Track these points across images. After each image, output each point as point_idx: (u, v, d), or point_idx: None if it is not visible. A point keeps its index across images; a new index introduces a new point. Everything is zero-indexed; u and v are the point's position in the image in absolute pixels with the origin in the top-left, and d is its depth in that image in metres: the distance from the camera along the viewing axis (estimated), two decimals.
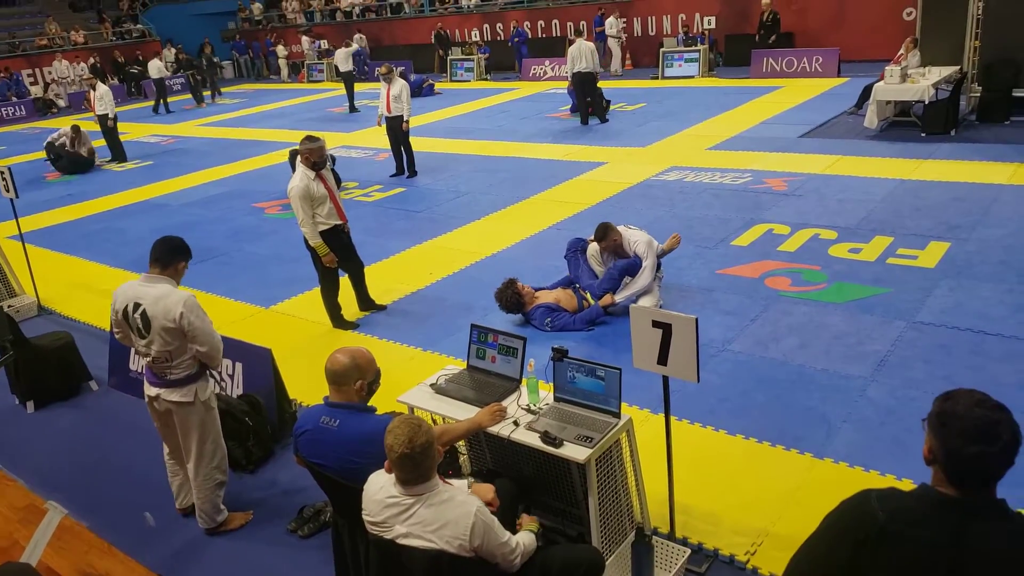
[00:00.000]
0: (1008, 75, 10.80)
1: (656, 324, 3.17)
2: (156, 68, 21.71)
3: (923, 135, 10.50)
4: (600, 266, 6.19)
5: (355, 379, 3.17)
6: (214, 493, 3.99)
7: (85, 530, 4.15)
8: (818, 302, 5.89)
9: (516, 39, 22.13)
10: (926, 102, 10.53)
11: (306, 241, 6.08)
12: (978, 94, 11.19)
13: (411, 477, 2.57)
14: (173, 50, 26.92)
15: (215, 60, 25.20)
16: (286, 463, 4.58)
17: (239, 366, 5.09)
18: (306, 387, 5.15)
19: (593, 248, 6.20)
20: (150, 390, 3.86)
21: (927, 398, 4.56)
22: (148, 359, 3.77)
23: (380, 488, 2.66)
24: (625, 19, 20.68)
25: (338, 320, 6.34)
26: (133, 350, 3.84)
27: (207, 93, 22.97)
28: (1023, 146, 9.49)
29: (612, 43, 19.58)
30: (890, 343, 5.17)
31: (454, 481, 2.69)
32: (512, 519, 3.00)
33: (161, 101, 21.85)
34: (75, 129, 14.46)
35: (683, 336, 3.11)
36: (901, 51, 12.07)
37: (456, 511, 2.54)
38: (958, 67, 11.33)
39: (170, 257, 3.77)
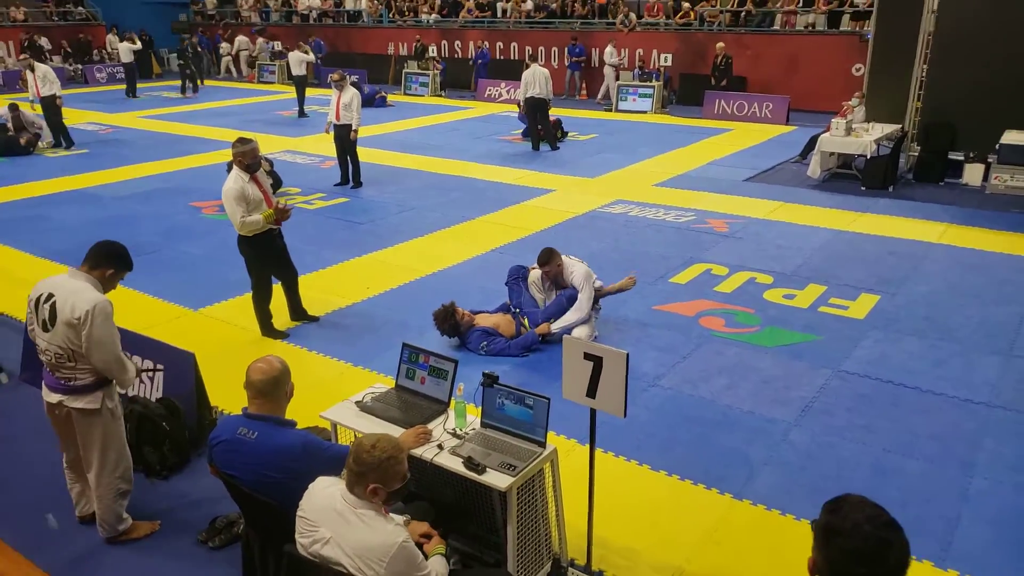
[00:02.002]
0: (945, 138, 11.31)
1: (588, 356, 3.16)
2: (126, 51, 21.20)
3: (863, 188, 10.88)
4: (540, 293, 6.18)
5: (277, 391, 3.08)
6: (116, 503, 3.79)
7: None
8: (750, 344, 6.00)
9: (479, 60, 22.23)
10: (868, 157, 10.94)
11: (239, 244, 5.92)
12: (916, 153, 11.68)
13: (357, 484, 2.53)
14: (133, 35, 26.17)
15: (199, 50, 24.70)
16: (201, 471, 4.39)
17: (158, 370, 4.89)
18: (229, 394, 4.98)
19: (535, 275, 6.20)
20: (50, 396, 3.61)
21: (846, 445, 4.70)
22: (48, 357, 3.56)
23: (325, 487, 2.64)
24: (585, 49, 20.97)
25: (268, 328, 6.18)
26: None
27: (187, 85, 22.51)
28: (954, 207, 9.93)
29: (608, 71, 19.58)
30: (816, 389, 5.29)
31: (394, 516, 2.64)
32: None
33: (131, 87, 21.48)
34: (12, 107, 13.86)
35: (613, 370, 3.11)
36: (848, 104, 12.54)
37: (382, 537, 2.49)
38: (900, 126, 11.81)
39: (100, 259, 3.58)
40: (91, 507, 3.90)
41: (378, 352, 5.84)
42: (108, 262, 3.59)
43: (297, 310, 6.42)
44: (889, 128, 11.74)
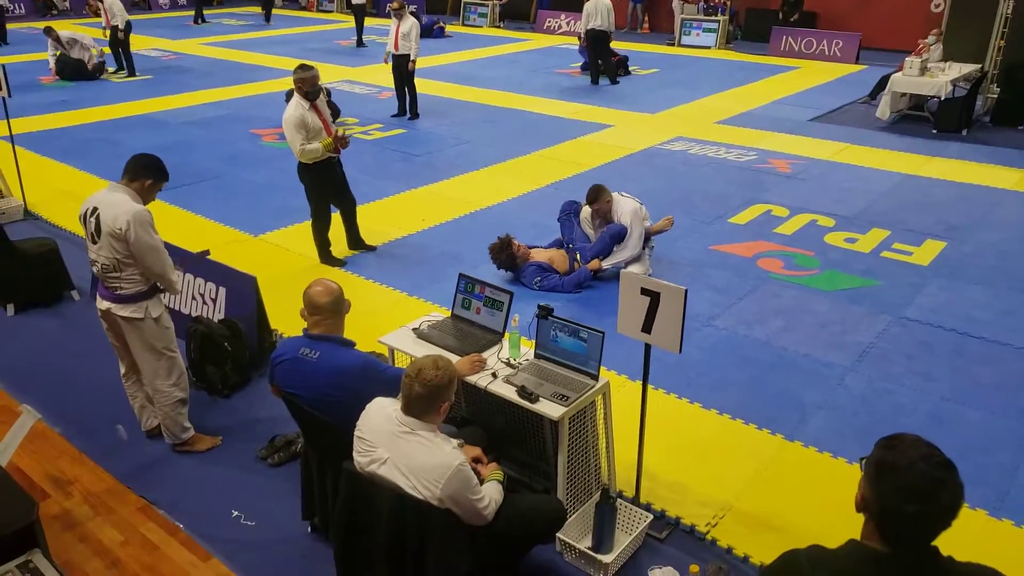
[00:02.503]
0: None
1: (645, 292, 3.15)
2: None
3: (934, 131, 10.41)
4: (592, 230, 6.14)
5: (338, 311, 3.16)
6: (175, 410, 3.97)
7: (57, 436, 4.16)
8: (808, 287, 5.88)
9: None
10: (942, 98, 10.42)
11: (299, 172, 5.99)
12: (995, 95, 11.08)
13: (411, 406, 2.59)
14: None
15: None
16: (262, 391, 4.57)
17: (222, 291, 5.05)
18: (288, 318, 5.11)
19: (586, 211, 6.14)
20: (101, 303, 3.80)
21: (904, 392, 4.62)
22: (97, 268, 3.71)
23: (382, 408, 2.70)
24: None
25: (326, 256, 6.29)
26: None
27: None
28: None
29: (687, 8, 18.65)
30: (874, 335, 5.18)
31: (453, 440, 2.71)
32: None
33: (200, 13, 21.78)
34: (48, 31, 13.94)
35: (670, 306, 3.09)
36: (924, 42, 11.90)
37: (439, 458, 2.55)
38: (979, 66, 11.19)
39: (137, 171, 3.71)
40: (154, 421, 4.10)
41: (433, 283, 5.91)
42: (145, 173, 3.72)
43: (355, 239, 6.51)
44: (967, 68, 11.13)
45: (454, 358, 3.44)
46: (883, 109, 10.93)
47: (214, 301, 5.09)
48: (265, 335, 4.93)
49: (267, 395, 4.00)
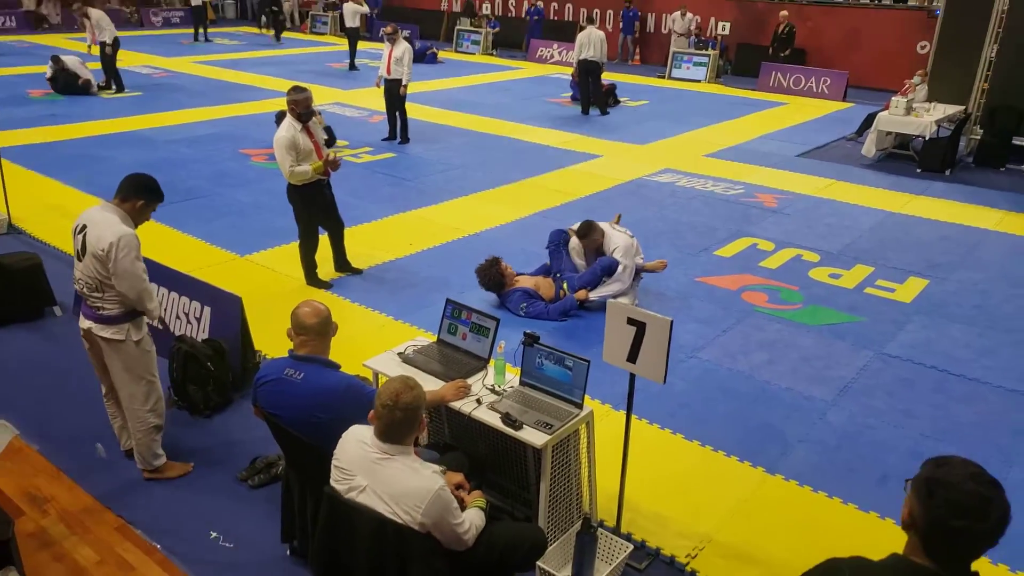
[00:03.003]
0: (1011, 122, 10.91)
1: (631, 321, 3.17)
2: None
3: (919, 171, 10.58)
4: (580, 259, 6.17)
5: (325, 332, 3.16)
6: (149, 436, 3.89)
7: (35, 453, 4.10)
8: (792, 322, 5.93)
9: (533, 17, 21.92)
10: (926, 138, 10.61)
11: (289, 193, 6.00)
12: (978, 137, 11.30)
13: (389, 432, 2.57)
14: None
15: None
16: (243, 412, 4.54)
17: (207, 310, 5.03)
18: (272, 339, 5.10)
19: (575, 242, 6.18)
20: (83, 322, 3.73)
21: (885, 428, 4.65)
22: (80, 287, 3.67)
23: (359, 435, 2.68)
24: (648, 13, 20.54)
25: (312, 278, 6.28)
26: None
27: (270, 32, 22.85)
28: (1015, 194, 9.62)
29: (678, 41, 18.77)
30: (856, 371, 5.23)
31: (433, 465, 2.69)
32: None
33: (200, 29, 21.97)
34: (55, 59, 13.99)
35: (656, 337, 3.12)
36: (910, 82, 12.14)
37: (419, 483, 2.54)
38: (963, 107, 11.41)
39: (130, 191, 3.63)
40: (132, 442, 4.06)
41: (419, 307, 5.91)
42: (138, 193, 3.64)
43: (341, 262, 6.51)
44: (951, 109, 11.36)
45: (439, 383, 3.44)
46: (869, 147, 11.12)
47: (198, 320, 5.07)
48: (249, 356, 4.90)
49: (249, 416, 3.98)
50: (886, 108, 11.07)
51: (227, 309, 4.91)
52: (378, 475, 2.58)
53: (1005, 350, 5.57)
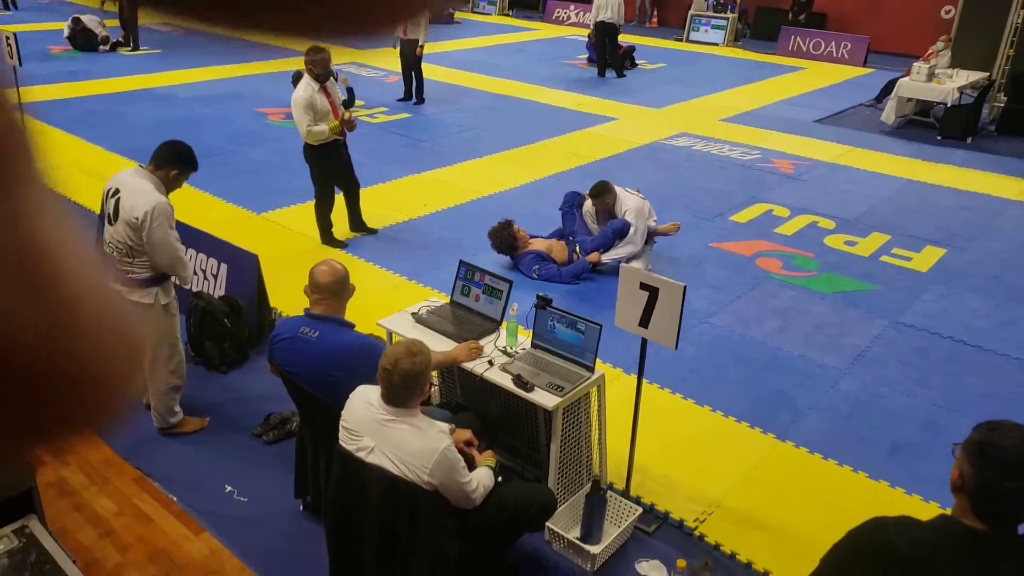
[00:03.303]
0: None
1: (644, 286, 3.17)
2: None
3: (939, 138, 10.41)
4: (594, 223, 6.15)
5: (342, 292, 3.18)
6: (169, 396, 3.97)
7: None
8: (806, 289, 5.91)
9: None
10: (948, 105, 10.42)
11: (305, 153, 5.99)
12: (1002, 104, 11.08)
13: (392, 396, 2.60)
14: None
15: None
16: (259, 369, 4.59)
17: (223, 267, 5.06)
18: (288, 297, 5.14)
19: (588, 205, 6.15)
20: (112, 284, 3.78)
21: (898, 397, 4.65)
22: (110, 250, 3.69)
23: (365, 396, 2.71)
24: None
25: (328, 236, 6.30)
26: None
27: None
28: None
29: (699, 3, 18.32)
30: (870, 339, 5.21)
31: (439, 423, 2.72)
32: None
33: None
34: (75, 21, 13.99)
35: (669, 302, 3.12)
36: (932, 48, 11.88)
37: (425, 443, 2.57)
38: (987, 74, 11.18)
39: (164, 159, 3.66)
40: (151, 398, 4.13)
41: (432, 268, 5.92)
42: (172, 162, 3.67)
43: (357, 221, 6.52)
44: (975, 76, 11.11)
45: (452, 344, 3.46)
46: (888, 113, 10.92)
47: (215, 277, 5.11)
48: (265, 313, 4.95)
49: (264, 373, 4.03)
50: (907, 74, 10.85)
51: (244, 266, 4.94)
52: (385, 436, 2.61)
53: (1021, 323, 5.53)
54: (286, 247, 6.24)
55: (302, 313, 3.21)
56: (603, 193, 5.96)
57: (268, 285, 4.97)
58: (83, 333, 0.24)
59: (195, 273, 5.20)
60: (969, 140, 10.32)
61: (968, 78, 10.96)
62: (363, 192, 6.60)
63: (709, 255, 6.44)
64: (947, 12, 15.91)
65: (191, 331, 4.67)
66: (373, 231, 6.58)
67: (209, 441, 4.02)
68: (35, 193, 0.23)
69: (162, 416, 4.01)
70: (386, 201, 7.28)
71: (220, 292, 5.02)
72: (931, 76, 10.62)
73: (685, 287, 3.08)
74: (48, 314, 0.22)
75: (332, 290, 3.13)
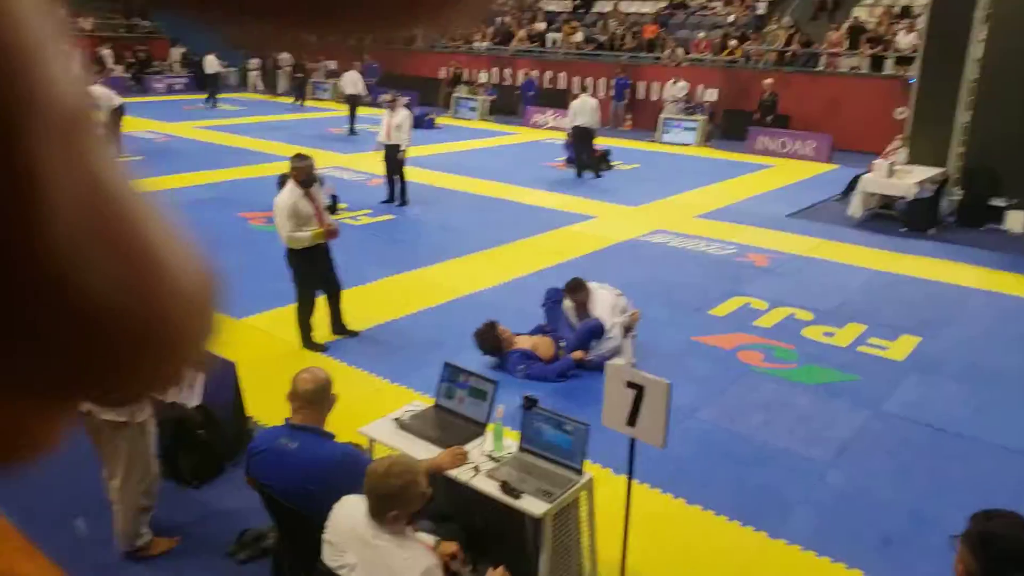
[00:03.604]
0: (987, 183, 11.16)
1: (630, 385, 3.18)
2: (212, 63, 22.72)
3: (903, 230, 10.74)
4: (575, 318, 6.21)
5: (323, 401, 3.16)
6: (137, 518, 3.80)
7: (11, 528, 4.01)
8: (788, 381, 5.94)
9: (527, 88, 22.47)
10: (909, 199, 10.81)
11: (288, 257, 6.05)
12: (959, 197, 11.52)
13: (377, 512, 2.54)
14: (181, 51, 27.23)
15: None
16: (235, 482, 4.46)
17: (200, 376, 5.00)
18: (266, 406, 5.06)
19: (568, 303, 6.23)
20: (82, 404, 3.68)
21: (883, 488, 4.62)
22: None
23: (351, 509, 2.65)
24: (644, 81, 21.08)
25: (308, 341, 6.29)
26: None
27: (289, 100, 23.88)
28: (995, 253, 9.75)
29: (670, 107, 19.24)
30: (853, 430, 5.22)
31: (424, 536, 2.65)
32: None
33: (212, 95, 22.73)
34: None
35: (655, 399, 3.13)
36: (890, 146, 12.42)
37: (409, 563, 2.51)
38: (942, 169, 11.67)
39: None
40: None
41: (415, 369, 5.90)
42: None
43: (338, 324, 6.52)
44: (931, 171, 11.59)
45: (436, 450, 3.42)
46: (855, 207, 11.30)
47: (191, 387, 5.04)
48: (242, 423, 4.87)
49: (240, 487, 3.92)
50: (870, 170, 11.30)
51: (220, 374, 4.89)
52: (368, 553, 2.54)
53: (998, 408, 5.58)
54: (265, 353, 6.21)
55: (282, 423, 3.18)
56: (576, 290, 6.05)
57: (246, 393, 4.91)
58: (157, 285, 0.24)
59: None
60: (931, 232, 10.67)
61: (925, 173, 11.42)
62: (345, 293, 6.63)
63: (692, 349, 6.49)
64: (900, 113, 16.70)
65: (163, 444, 4.56)
66: (355, 333, 6.58)
67: (179, 563, 3.85)
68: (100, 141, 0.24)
69: (128, 538, 3.81)
70: (368, 302, 7.32)
71: (195, 402, 4.94)
72: (891, 172, 11.07)
73: (670, 384, 3.10)
74: (131, 263, 0.23)
75: (312, 399, 3.11)
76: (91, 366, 0.23)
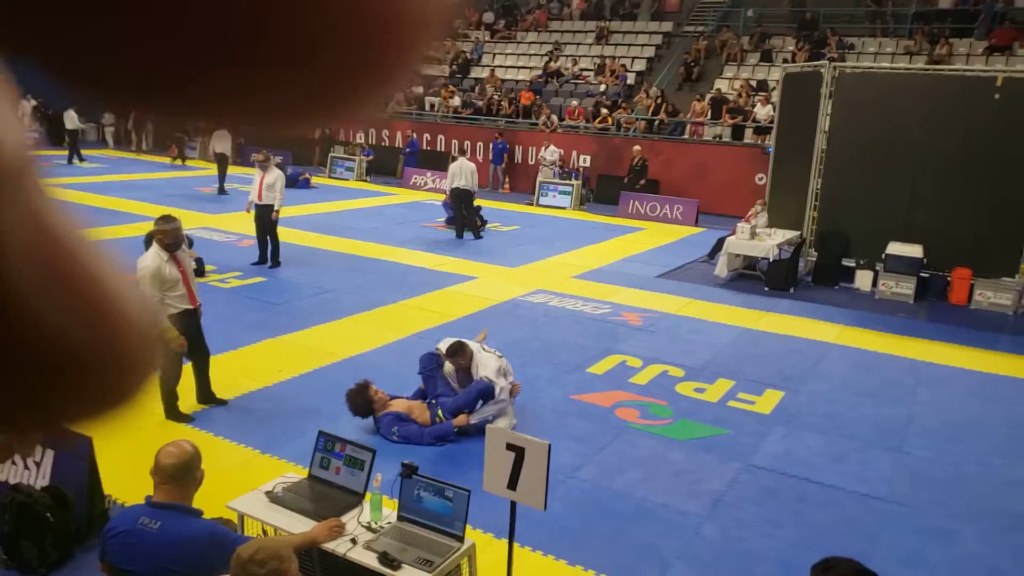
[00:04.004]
0: (839, 245, 12.15)
1: (510, 447, 3.17)
2: (71, 119, 21.29)
3: (766, 289, 11.46)
4: (456, 383, 6.17)
5: (187, 477, 2.95)
6: None
7: None
8: (663, 437, 6.12)
9: (407, 149, 22.64)
10: (770, 260, 11.59)
11: None
12: (814, 259, 12.46)
13: None
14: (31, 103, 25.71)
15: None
16: (86, 569, 4.08)
17: (49, 453, 4.59)
18: (126, 484, 4.70)
19: (448, 365, 6.19)
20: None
21: (756, 540, 4.78)
22: None
23: None
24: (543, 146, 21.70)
25: (173, 411, 5.91)
26: None
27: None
28: (848, 310, 10.55)
29: (545, 171, 19.83)
30: (725, 483, 5.41)
31: None
32: None
33: (75, 152, 21.47)
34: None
35: (535, 461, 3.13)
36: (751, 211, 13.33)
37: None
38: (799, 232, 12.62)
39: None
40: None
41: (288, 439, 5.65)
42: None
43: (205, 392, 6.18)
44: (790, 234, 12.51)
45: (310, 523, 3.26)
46: (721, 268, 11.99)
47: (38, 465, 4.60)
48: (97, 504, 4.48)
49: (93, 572, 3.59)
50: (734, 233, 12.06)
51: (73, 450, 4.50)
52: None
53: (853, 456, 5.96)
54: (125, 425, 5.75)
55: (143, 502, 2.94)
56: (458, 353, 6.03)
57: (103, 470, 4.53)
58: (106, 317, 0.26)
59: (13, 463, 4.68)
60: (791, 290, 11.44)
61: (784, 236, 12.31)
62: (213, 360, 6.31)
63: (571, 408, 6.58)
64: (760, 179, 18.02)
65: (5, 530, 4.13)
66: (223, 402, 6.25)
67: None
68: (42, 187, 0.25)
69: None
70: (238, 369, 6.99)
71: (44, 482, 4.51)
72: (753, 234, 11.85)
73: (550, 445, 3.11)
74: (74, 299, 0.25)
75: (176, 474, 2.90)
76: (48, 396, 0.25)
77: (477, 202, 14.80)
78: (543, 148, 20.26)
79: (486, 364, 6.04)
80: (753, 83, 20.59)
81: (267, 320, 8.57)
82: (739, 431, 6.31)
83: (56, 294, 0.24)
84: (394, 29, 0.24)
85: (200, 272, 6.54)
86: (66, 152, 21.70)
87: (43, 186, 0.24)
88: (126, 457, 4.91)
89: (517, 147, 22.03)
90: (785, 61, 19.99)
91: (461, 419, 5.84)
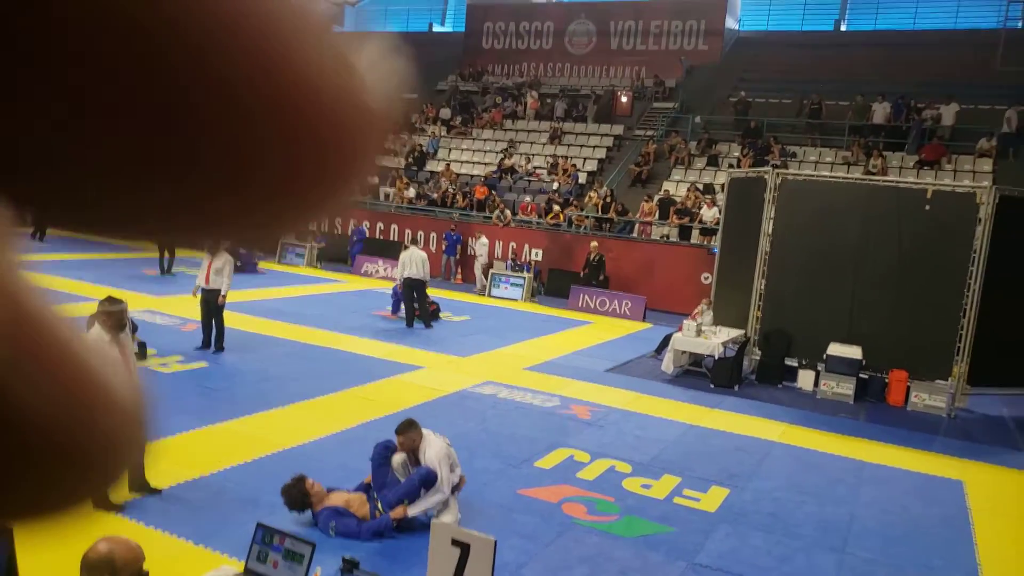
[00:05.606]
0: (782, 345, 12.47)
1: (455, 543, 3.11)
2: None
3: (712, 386, 11.63)
4: (404, 476, 6.03)
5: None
6: None
7: None
8: (609, 534, 6.04)
9: (356, 236, 22.77)
10: (716, 357, 11.81)
11: None
12: (758, 357, 12.74)
13: None
14: None
15: None
16: None
17: None
18: None
19: (399, 457, 6.05)
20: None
21: None
22: None
23: None
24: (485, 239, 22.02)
25: (102, 499, 5.62)
26: None
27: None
28: (791, 409, 10.75)
29: (478, 265, 20.21)
30: None
31: None
32: None
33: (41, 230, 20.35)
34: None
35: (480, 558, 3.07)
36: (697, 309, 13.67)
37: None
38: (743, 331, 12.94)
39: None
40: None
41: (224, 530, 5.41)
42: None
43: (138, 480, 5.91)
44: (734, 332, 12.82)
45: None
46: (667, 364, 12.16)
47: None
48: None
49: None
50: (680, 330, 12.31)
51: None
52: None
53: (799, 556, 5.96)
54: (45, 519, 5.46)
55: None
56: (408, 430, 5.92)
57: (22, 567, 4.26)
58: (86, 397, 0.25)
59: None
60: (736, 388, 11.63)
61: (729, 334, 12.60)
62: (148, 446, 6.07)
63: (517, 503, 6.47)
64: (706, 278, 18.55)
65: None
66: (157, 491, 5.98)
67: None
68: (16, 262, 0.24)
69: None
70: (174, 456, 6.72)
71: None
72: (699, 332, 12.11)
73: (496, 542, 3.06)
74: (64, 379, 0.24)
75: (95, 572, 2.76)
76: (26, 482, 0.24)
77: (431, 292, 14.87)
78: (475, 239, 20.74)
79: (433, 445, 5.92)
80: (700, 186, 21.48)
81: (207, 407, 8.33)
82: (685, 528, 6.27)
83: (33, 374, 0.23)
84: (332, 148, 0.23)
85: (142, 355, 6.38)
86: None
87: (17, 264, 0.24)
88: (49, 553, 4.62)
89: (471, 239, 22.37)
90: (731, 166, 20.99)
91: (399, 511, 5.67)
